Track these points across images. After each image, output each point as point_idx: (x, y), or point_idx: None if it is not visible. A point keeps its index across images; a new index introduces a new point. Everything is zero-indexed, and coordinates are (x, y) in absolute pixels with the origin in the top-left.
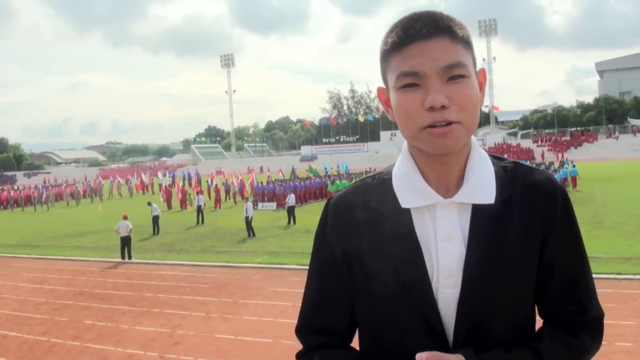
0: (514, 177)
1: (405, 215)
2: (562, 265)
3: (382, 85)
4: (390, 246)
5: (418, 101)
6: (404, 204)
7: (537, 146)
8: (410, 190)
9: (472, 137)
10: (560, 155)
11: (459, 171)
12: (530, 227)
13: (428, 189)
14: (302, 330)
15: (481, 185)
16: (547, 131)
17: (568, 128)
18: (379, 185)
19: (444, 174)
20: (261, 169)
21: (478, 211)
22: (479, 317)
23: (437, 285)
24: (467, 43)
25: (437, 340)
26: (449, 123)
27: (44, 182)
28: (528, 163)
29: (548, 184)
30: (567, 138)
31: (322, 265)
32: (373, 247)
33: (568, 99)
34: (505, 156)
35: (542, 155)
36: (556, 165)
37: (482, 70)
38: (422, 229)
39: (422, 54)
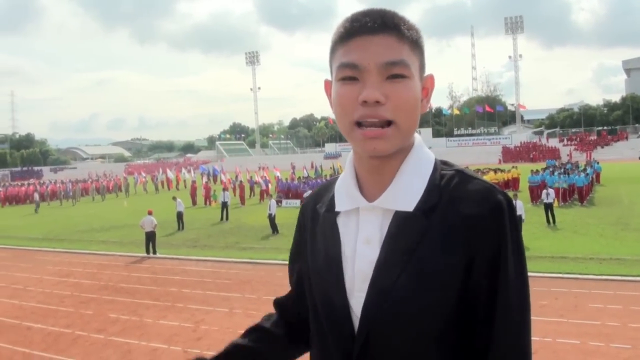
0: (447, 185)
1: (334, 218)
2: (484, 293)
3: (329, 77)
4: (319, 248)
5: (354, 95)
6: (337, 206)
7: (564, 145)
8: (344, 193)
9: (418, 138)
10: (587, 154)
11: (392, 175)
12: (452, 241)
13: (355, 192)
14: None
15: (404, 191)
16: (573, 130)
17: (595, 127)
18: (329, 188)
19: (376, 177)
20: (292, 166)
21: (398, 218)
22: (379, 328)
23: (352, 288)
24: (415, 45)
25: (344, 346)
26: (383, 121)
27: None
28: (554, 163)
29: (481, 193)
30: (594, 137)
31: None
32: (312, 249)
33: (595, 98)
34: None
35: (570, 155)
36: (582, 165)
37: (430, 77)
38: (347, 232)
39: (365, 48)
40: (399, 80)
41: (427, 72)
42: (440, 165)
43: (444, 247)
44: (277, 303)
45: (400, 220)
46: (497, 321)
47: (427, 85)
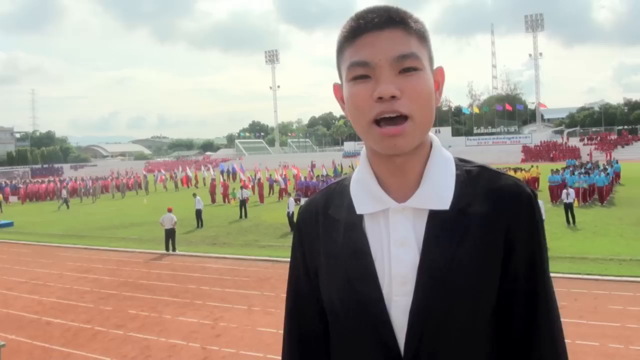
0: (477, 181)
1: (359, 221)
2: (522, 286)
3: (339, 81)
4: (344, 255)
5: (368, 93)
6: (358, 209)
7: (584, 145)
8: (365, 195)
9: (435, 138)
10: (607, 154)
11: (417, 174)
12: (490, 237)
13: (381, 194)
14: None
15: (437, 190)
16: (593, 129)
17: (615, 126)
18: (340, 192)
19: (400, 177)
20: (312, 164)
21: (434, 217)
22: (430, 330)
23: (390, 293)
24: (422, 37)
25: (390, 354)
26: (399, 116)
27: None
28: (575, 163)
29: (514, 189)
30: (614, 137)
31: (293, 281)
32: (329, 257)
33: (615, 97)
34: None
35: (590, 154)
36: (602, 164)
37: (440, 69)
38: (376, 235)
39: (374, 44)
40: (412, 74)
41: (446, 69)
42: (460, 163)
43: (484, 243)
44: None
45: (438, 220)
46: (537, 313)
47: (438, 78)
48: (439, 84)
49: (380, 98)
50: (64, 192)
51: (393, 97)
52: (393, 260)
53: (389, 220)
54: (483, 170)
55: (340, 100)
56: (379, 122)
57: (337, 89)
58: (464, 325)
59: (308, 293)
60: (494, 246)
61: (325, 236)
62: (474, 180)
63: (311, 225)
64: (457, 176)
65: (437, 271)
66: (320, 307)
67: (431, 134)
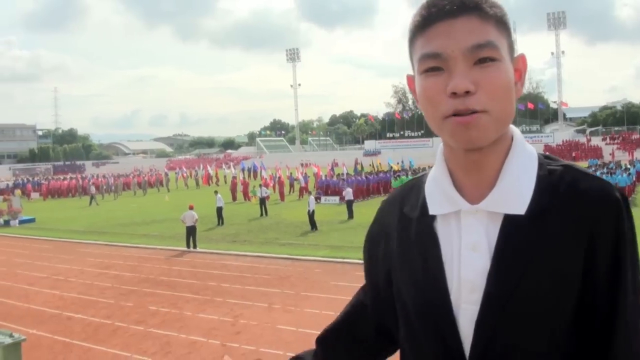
0: (559, 183)
1: (431, 222)
2: (603, 300)
3: (412, 72)
4: (414, 256)
5: (441, 86)
6: (431, 209)
7: (606, 144)
8: (438, 195)
9: (517, 131)
10: (630, 153)
11: (494, 173)
12: (569, 248)
13: (453, 193)
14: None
15: (513, 192)
16: (616, 129)
17: (638, 125)
18: (416, 189)
19: (475, 175)
20: (335, 163)
21: (509, 222)
22: (497, 344)
23: (458, 300)
24: (500, 23)
25: None
26: (474, 112)
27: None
28: (597, 162)
29: (600, 192)
30: (637, 136)
31: (366, 278)
32: (401, 257)
33: (638, 95)
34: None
35: (612, 154)
36: (624, 164)
37: (522, 57)
38: (447, 237)
39: (447, 34)
40: (489, 65)
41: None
42: (545, 160)
43: (561, 253)
44: (324, 340)
45: (511, 225)
46: (616, 329)
47: (520, 67)
48: (520, 74)
49: (454, 93)
50: (92, 189)
51: (467, 92)
52: (463, 265)
53: (461, 222)
54: (568, 169)
55: (414, 92)
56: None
57: (410, 80)
58: (533, 342)
59: (375, 288)
60: (572, 258)
61: (399, 235)
62: (556, 181)
63: (388, 221)
64: (539, 177)
65: (507, 283)
66: (380, 307)
67: (512, 126)
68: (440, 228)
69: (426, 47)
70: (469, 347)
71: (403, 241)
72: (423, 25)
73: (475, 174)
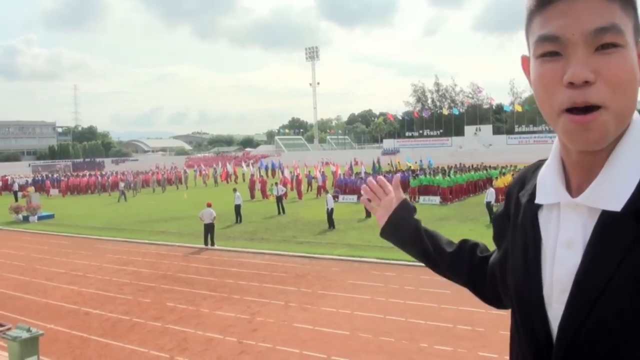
0: None
1: (536, 211)
2: None
3: (527, 53)
4: (518, 245)
5: (558, 74)
6: (537, 198)
7: None
8: (547, 183)
9: (636, 117)
10: None
11: (602, 167)
12: None
13: (558, 184)
14: None
15: (612, 187)
16: None
17: None
18: (532, 174)
19: (586, 168)
20: (355, 161)
21: (604, 219)
22: (578, 348)
23: (550, 297)
24: (627, 3)
25: (540, 357)
26: (590, 107)
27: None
28: None
29: None
30: None
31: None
32: (511, 242)
33: None
34: None
35: None
36: None
37: None
38: (548, 230)
39: (566, 15)
40: (612, 51)
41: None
42: None
43: None
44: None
45: (606, 223)
46: None
47: None
48: None
49: (571, 83)
50: (122, 185)
51: (586, 82)
52: (557, 262)
53: (560, 215)
54: None
55: (527, 75)
56: (568, 110)
57: (525, 61)
58: (619, 351)
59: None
60: None
61: (513, 219)
62: None
63: (510, 200)
64: None
65: (592, 287)
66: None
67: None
68: (543, 219)
69: (544, 28)
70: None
71: (514, 226)
72: (542, 3)
73: (585, 170)
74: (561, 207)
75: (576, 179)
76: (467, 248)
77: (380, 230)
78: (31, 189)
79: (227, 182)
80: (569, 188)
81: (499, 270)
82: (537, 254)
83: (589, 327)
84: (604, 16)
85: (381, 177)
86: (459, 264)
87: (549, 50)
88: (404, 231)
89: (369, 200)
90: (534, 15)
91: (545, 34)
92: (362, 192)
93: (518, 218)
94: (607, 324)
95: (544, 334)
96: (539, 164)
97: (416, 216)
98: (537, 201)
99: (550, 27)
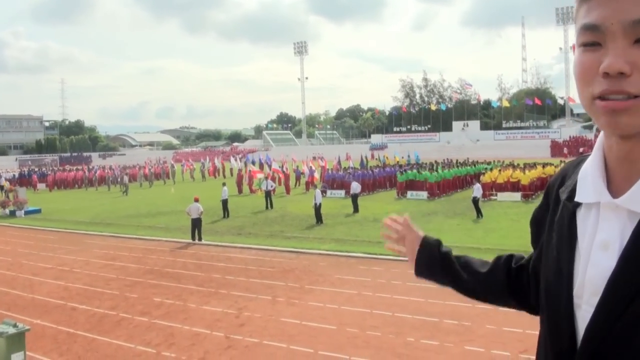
0: None
1: (574, 209)
2: None
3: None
4: (553, 242)
5: (595, 63)
6: (577, 196)
7: None
8: (588, 181)
9: None
10: None
11: None
12: None
13: (599, 183)
14: None
15: None
16: None
17: None
18: (575, 170)
19: (627, 166)
20: (347, 156)
21: None
22: (606, 353)
23: (580, 299)
24: None
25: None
26: (627, 97)
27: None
28: None
29: None
30: None
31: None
32: (546, 238)
33: None
34: None
35: None
36: None
37: None
38: (585, 230)
39: (608, 4)
40: None
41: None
42: None
43: None
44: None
45: None
46: None
47: None
48: None
49: (606, 74)
50: (125, 179)
51: (621, 73)
52: (591, 264)
53: (599, 216)
54: None
55: None
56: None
57: (575, 50)
58: None
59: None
60: None
61: (551, 216)
62: None
63: (549, 196)
64: None
65: (627, 291)
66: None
67: None
68: (581, 218)
69: (586, 17)
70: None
71: (551, 222)
72: None
73: (626, 165)
74: (601, 207)
75: (619, 177)
76: (502, 263)
77: (414, 272)
78: (5, 183)
79: (215, 177)
80: (610, 187)
81: (534, 270)
82: (572, 253)
83: (617, 331)
84: None
85: (394, 218)
86: (496, 282)
87: (590, 40)
88: (434, 267)
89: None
90: (581, 4)
91: (587, 23)
92: (382, 238)
93: (556, 215)
94: (637, 328)
95: (568, 334)
96: (581, 159)
97: (444, 248)
98: (576, 199)
99: (592, 16)
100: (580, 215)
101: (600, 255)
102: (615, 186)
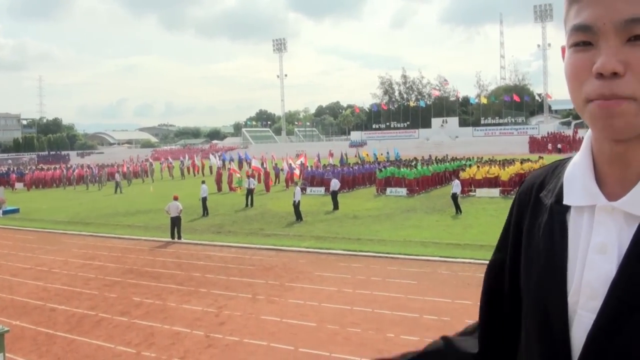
0: None
1: (563, 213)
2: None
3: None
4: (539, 248)
5: (587, 64)
6: (565, 199)
7: None
8: (577, 184)
9: None
10: None
11: None
12: None
13: (592, 186)
14: None
15: None
16: None
17: None
18: (557, 173)
19: (620, 168)
20: (330, 153)
21: None
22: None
23: (575, 304)
24: None
25: None
26: (620, 99)
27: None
28: None
29: None
30: None
31: (492, 265)
32: (528, 246)
33: None
34: None
35: None
36: None
37: None
38: (576, 233)
39: (600, 3)
40: None
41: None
42: None
43: None
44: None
45: None
46: None
47: None
48: None
49: (599, 74)
50: (118, 176)
51: (615, 73)
52: (587, 267)
53: (594, 219)
54: None
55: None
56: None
57: (564, 52)
58: None
59: (503, 275)
60: None
61: (530, 220)
62: None
63: (524, 202)
64: None
65: (629, 291)
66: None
67: None
68: (572, 221)
69: (577, 18)
70: (577, 358)
71: (533, 228)
72: None
73: (619, 166)
74: (596, 210)
75: (611, 179)
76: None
77: None
78: None
79: (194, 175)
80: (602, 189)
81: (497, 280)
82: (564, 257)
83: (623, 336)
84: (638, 6)
85: None
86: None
87: (581, 40)
88: None
89: None
90: (571, 5)
91: (578, 23)
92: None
93: (537, 219)
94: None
95: (562, 340)
96: (557, 164)
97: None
98: (565, 202)
99: (583, 15)
100: (570, 218)
101: (597, 258)
102: (607, 189)
